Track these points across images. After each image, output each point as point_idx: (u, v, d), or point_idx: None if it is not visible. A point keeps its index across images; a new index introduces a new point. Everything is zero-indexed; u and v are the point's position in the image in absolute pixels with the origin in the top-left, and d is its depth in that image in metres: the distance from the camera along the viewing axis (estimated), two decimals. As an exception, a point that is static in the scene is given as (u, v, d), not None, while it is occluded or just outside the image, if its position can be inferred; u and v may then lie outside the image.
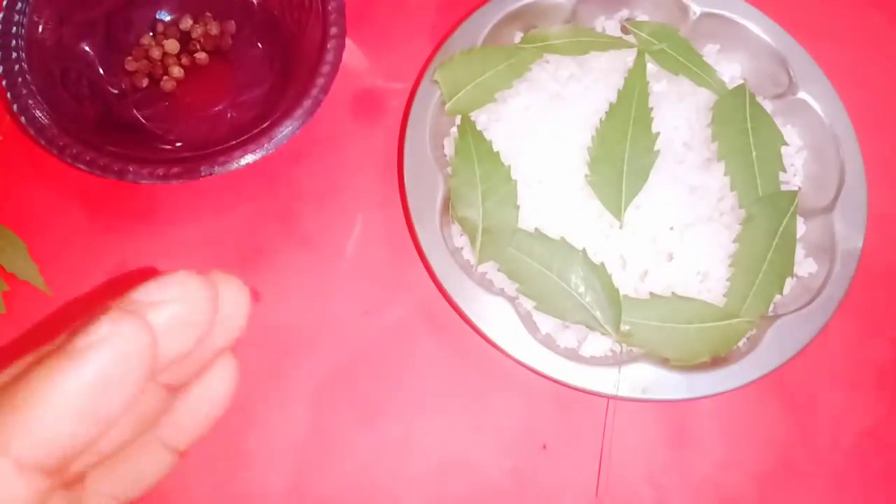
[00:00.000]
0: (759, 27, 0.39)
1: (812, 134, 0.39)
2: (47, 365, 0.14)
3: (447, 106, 0.37)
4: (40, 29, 0.38)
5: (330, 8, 0.38)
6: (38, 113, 0.35)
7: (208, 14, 0.42)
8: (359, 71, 0.43)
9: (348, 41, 0.38)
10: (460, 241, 0.36)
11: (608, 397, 0.33)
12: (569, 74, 0.39)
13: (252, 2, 0.42)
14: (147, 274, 0.16)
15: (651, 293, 0.34)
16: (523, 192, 0.35)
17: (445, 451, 0.36)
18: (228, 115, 0.41)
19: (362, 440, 0.36)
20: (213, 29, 0.42)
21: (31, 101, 0.35)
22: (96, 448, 0.15)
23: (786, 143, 0.37)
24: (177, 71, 0.41)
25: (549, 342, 0.34)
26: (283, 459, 0.36)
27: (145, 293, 0.15)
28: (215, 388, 0.19)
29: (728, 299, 0.34)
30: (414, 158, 0.36)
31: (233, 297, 0.18)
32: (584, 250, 0.34)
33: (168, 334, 0.15)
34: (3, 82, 0.36)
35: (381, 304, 0.38)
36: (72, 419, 0.14)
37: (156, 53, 0.41)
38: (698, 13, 0.40)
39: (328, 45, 0.37)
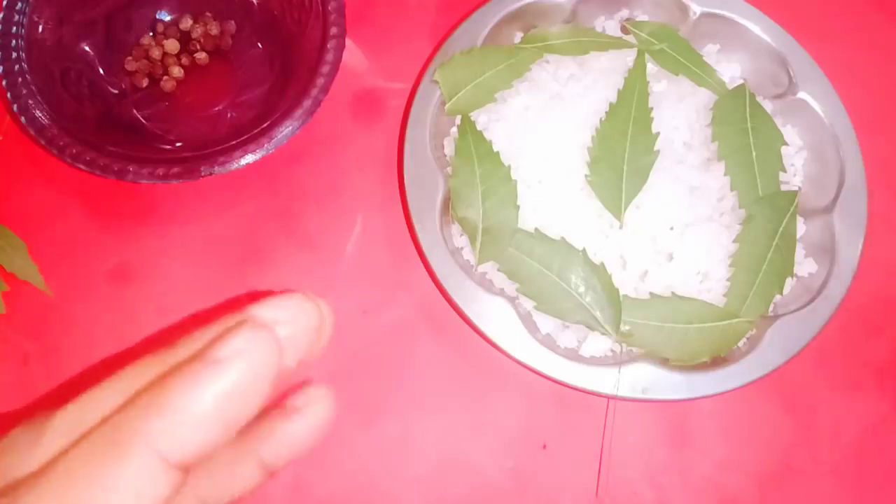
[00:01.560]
0: (759, 27, 0.39)
1: (812, 134, 0.39)
2: (190, 371, 0.15)
3: (447, 106, 0.37)
4: (40, 29, 0.38)
5: (330, 8, 0.38)
6: (38, 113, 0.35)
7: (208, 14, 0.42)
8: (359, 71, 0.43)
9: (348, 41, 0.38)
10: (460, 241, 0.36)
11: (608, 397, 0.33)
12: (569, 74, 0.39)
13: (252, 2, 0.42)
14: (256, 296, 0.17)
15: (651, 293, 0.34)
16: (523, 192, 0.35)
17: (445, 451, 0.36)
18: (228, 115, 0.41)
19: (362, 440, 0.36)
20: (213, 29, 0.42)
21: (31, 101, 0.35)
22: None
23: (786, 143, 0.37)
24: (177, 71, 0.41)
25: (549, 342, 0.34)
26: (283, 459, 0.36)
27: (260, 314, 0.16)
28: (315, 415, 0.21)
29: (728, 299, 0.34)
30: (414, 158, 0.36)
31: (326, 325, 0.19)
32: (584, 250, 0.34)
33: (286, 351, 0.16)
34: (3, 82, 0.36)
35: (381, 304, 0.38)
36: (211, 423, 0.15)
37: (156, 53, 0.41)
38: (698, 13, 0.40)
39: (328, 45, 0.37)
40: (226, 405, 0.15)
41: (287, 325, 0.17)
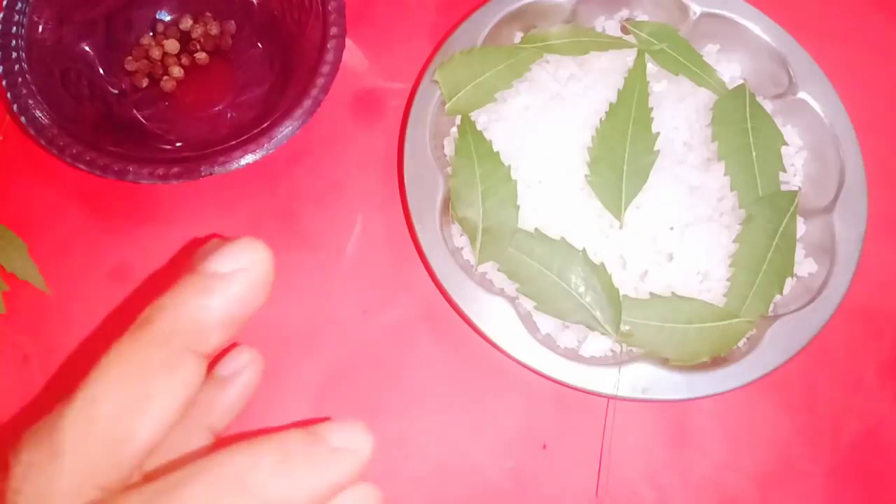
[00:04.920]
0: (759, 27, 0.39)
1: (812, 134, 0.39)
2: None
3: (447, 106, 0.37)
4: (40, 29, 0.38)
5: (330, 8, 0.38)
6: (38, 113, 0.35)
7: (208, 14, 0.42)
8: (359, 71, 0.43)
9: (348, 41, 0.38)
10: (460, 241, 0.36)
11: (608, 397, 0.33)
12: (569, 74, 0.39)
13: (252, 2, 0.42)
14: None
15: (651, 293, 0.34)
16: (523, 192, 0.35)
17: (445, 451, 0.36)
18: (228, 115, 0.41)
19: (362, 440, 0.36)
20: (213, 29, 0.42)
21: (31, 101, 0.35)
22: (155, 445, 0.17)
23: (786, 143, 0.37)
24: (177, 71, 0.41)
25: (549, 342, 0.34)
26: (283, 459, 0.36)
27: (215, 266, 0.18)
28: (246, 381, 0.24)
29: (728, 299, 0.34)
30: (414, 158, 0.36)
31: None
32: (584, 250, 0.34)
33: (246, 299, 0.18)
34: (3, 82, 0.36)
35: (381, 304, 0.38)
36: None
37: (156, 53, 0.41)
38: (698, 13, 0.40)
39: (328, 45, 0.37)
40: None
41: (248, 271, 0.18)
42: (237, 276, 0.17)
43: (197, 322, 0.17)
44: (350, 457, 0.17)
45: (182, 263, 0.39)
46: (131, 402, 0.16)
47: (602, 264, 0.34)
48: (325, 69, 0.36)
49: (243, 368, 0.24)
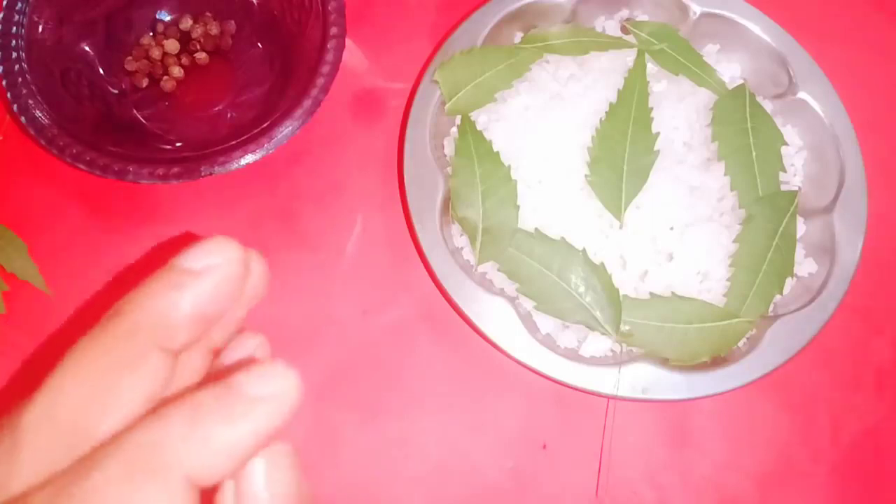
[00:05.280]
0: (759, 27, 0.39)
1: (812, 134, 0.39)
2: (223, 402, 0.16)
3: (447, 106, 0.37)
4: (40, 29, 0.38)
5: (330, 8, 0.38)
6: (38, 113, 0.35)
7: (208, 14, 0.42)
8: (359, 71, 0.43)
9: (348, 41, 0.38)
10: (460, 241, 0.36)
11: (608, 397, 0.33)
12: (569, 74, 0.39)
13: (252, 2, 0.42)
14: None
15: (651, 293, 0.34)
16: (523, 192, 0.35)
17: (445, 451, 0.36)
18: (228, 115, 0.41)
19: (362, 440, 0.36)
20: (213, 29, 0.42)
21: (31, 101, 0.35)
22: None
23: (786, 143, 0.37)
24: (177, 71, 0.41)
25: (549, 342, 0.34)
26: (283, 459, 0.36)
27: (186, 263, 0.17)
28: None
29: (728, 299, 0.34)
30: (414, 158, 0.36)
31: (256, 268, 0.19)
32: (584, 250, 0.34)
33: (215, 301, 0.17)
34: (3, 82, 0.36)
35: (381, 304, 0.38)
36: (234, 459, 0.15)
37: (156, 53, 0.41)
38: (698, 13, 0.40)
39: (328, 45, 0.37)
40: (256, 441, 0.16)
41: (219, 268, 0.17)
42: (207, 272, 0.17)
43: (164, 317, 0.17)
44: (272, 403, 0.16)
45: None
46: (93, 396, 0.16)
47: (602, 264, 0.34)
48: (325, 69, 0.36)
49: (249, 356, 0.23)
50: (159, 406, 0.16)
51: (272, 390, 0.16)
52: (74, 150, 0.35)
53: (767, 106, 0.38)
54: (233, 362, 0.22)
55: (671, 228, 0.36)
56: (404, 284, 0.39)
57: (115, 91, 0.40)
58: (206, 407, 0.15)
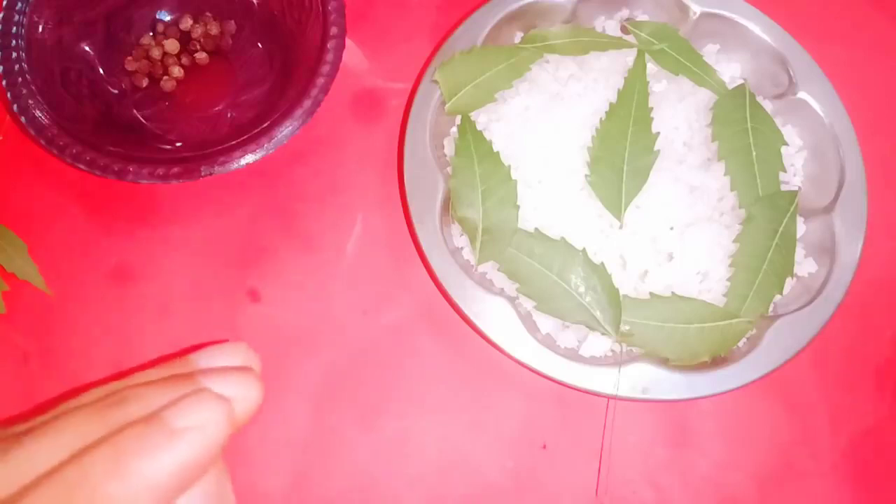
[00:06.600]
0: (759, 27, 0.39)
1: (812, 134, 0.39)
2: (148, 438, 0.15)
3: (447, 106, 0.37)
4: (40, 29, 0.38)
5: (330, 8, 0.38)
6: (38, 113, 0.35)
7: (208, 14, 0.42)
8: (359, 71, 0.43)
9: (348, 41, 0.38)
10: (460, 241, 0.36)
11: (608, 397, 0.33)
12: (569, 74, 0.39)
13: (252, 2, 0.42)
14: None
15: (651, 293, 0.34)
16: (523, 192, 0.35)
17: (445, 450, 0.36)
18: (228, 115, 0.41)
19: (362, 440, 0.36)
20: (213, 29, 0.42)
21: (31, 101, 0.35)
22: None
23: (786, 143, 0.37)
24: (177, 71, 0.41)
25: (549, 342, 0.34)
26: (283, 459, 0.36)
27: (220, 385, 0.17)
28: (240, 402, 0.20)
29: (728, 299, 0.34)
30: (414, 158, 0.36)
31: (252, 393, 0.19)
32: (584, 250, 0.34)
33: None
34: (3, 82, 0.36)
35: (381, 304, 0.38)
36: (164, 489, 0.15)
37: (156, 53, 0.41)
38: (698, 13, 0.40)
39: (328, 45, 0.37)
40: (181, 473, 0.15)
41: (239, 402, 0.17)
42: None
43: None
44: (196, 434, 0.16)
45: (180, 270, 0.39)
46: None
47: (602, 264, 0.34)
48: (325, 69, 0.36)
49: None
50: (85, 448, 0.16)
51: (196, 421, 0.16)
52: (74, 150, 0.35)
53: (767, 106, 0.38)
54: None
55: (671, 228, 0.36)
56: (404, 284, 0.39)
57: (115, 91, 0.40)
58: (127, 442, 0.15)
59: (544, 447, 0.36)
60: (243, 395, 0.18)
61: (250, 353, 0.18)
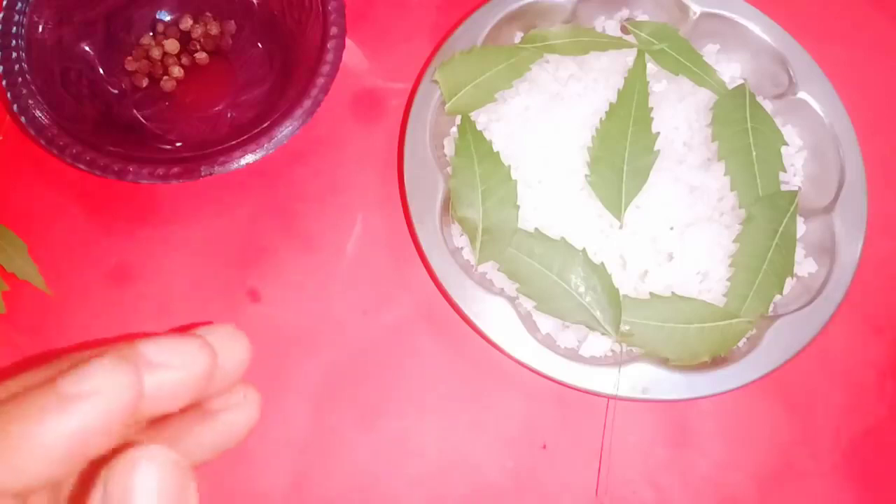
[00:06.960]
0: (759, 27, 0.39)
1: (812, 134, 0.39)
2: (38, 403, 0.14)
3: (447, 106, 0.37)
4: (40, 29, 0.38)
5: (330, 8, 0.38)
6: (38, 113, 0.35)
7: (208, 14, 0.42)
8: (359, 71, 0.43)
9: (348, 41, 0.38)
10: (460, 241, 0.36)
11: (608, 397, 0.33)
12: (569, 74, 0.39)
13: (252, 2, 0.42)
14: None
15: (651, 293, 0.34)
16: (523, 192, 0.35)
17: (445, 451, 0.36)
18: (228, 115, 0.41)
19: (362, 440, 0.36)
20: (213, 29, 0.42)
21: (31, 101, 0.35)
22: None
23: (786, 143, 0.37)
24: (177, 71, 0.41)
25: (549, 342, 0.34)
26: (283, 459, 0.36)
27: (147, 352, 0.16)
28: (236, 419, 0.20)
29: (728, 299, 0.34)
30: (414, 158, 0.36)
31: (231, 352, 0.18)
32: (584, 250, 0.34)
33: (155, 397, 0.16)
34: (3, 82, 0.36)
35: (381, 304, 0.38)
36: (51, 460, 0.14)
37: (156, 53, 0.41)
38: (698, 13, 0.40)
39: (328, 45, 0.37)
40: (72, 443, 0.14)
41: (171, 371, 0.16)
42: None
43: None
44: (94, 399, 0.15)
45: (180, 263, 0.39)
46: None
47: (602, 264, 0.34)
48: (325, 69, 0.36)
49: (236, 405, 0.20)
50: None
51: (90, 386, 0.15)
52: (74, 150, 0.35)
53: (767, 106, 0.38)
54: (220, 406, 0.20)
55: (671, 228, 0.36)
56: (404, 284, 0.39)
57: (115, 91, 0.40)
58: (16, 408, 0.14)
59: (544, 447, 0.36)
60: (181, 363, 0.16)
61: (204, 356, 0.16)
